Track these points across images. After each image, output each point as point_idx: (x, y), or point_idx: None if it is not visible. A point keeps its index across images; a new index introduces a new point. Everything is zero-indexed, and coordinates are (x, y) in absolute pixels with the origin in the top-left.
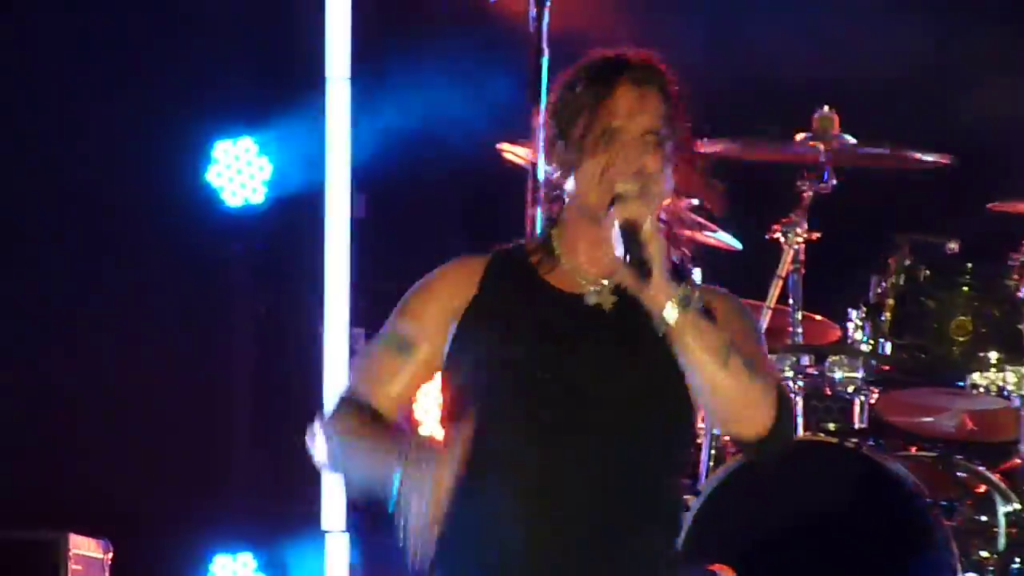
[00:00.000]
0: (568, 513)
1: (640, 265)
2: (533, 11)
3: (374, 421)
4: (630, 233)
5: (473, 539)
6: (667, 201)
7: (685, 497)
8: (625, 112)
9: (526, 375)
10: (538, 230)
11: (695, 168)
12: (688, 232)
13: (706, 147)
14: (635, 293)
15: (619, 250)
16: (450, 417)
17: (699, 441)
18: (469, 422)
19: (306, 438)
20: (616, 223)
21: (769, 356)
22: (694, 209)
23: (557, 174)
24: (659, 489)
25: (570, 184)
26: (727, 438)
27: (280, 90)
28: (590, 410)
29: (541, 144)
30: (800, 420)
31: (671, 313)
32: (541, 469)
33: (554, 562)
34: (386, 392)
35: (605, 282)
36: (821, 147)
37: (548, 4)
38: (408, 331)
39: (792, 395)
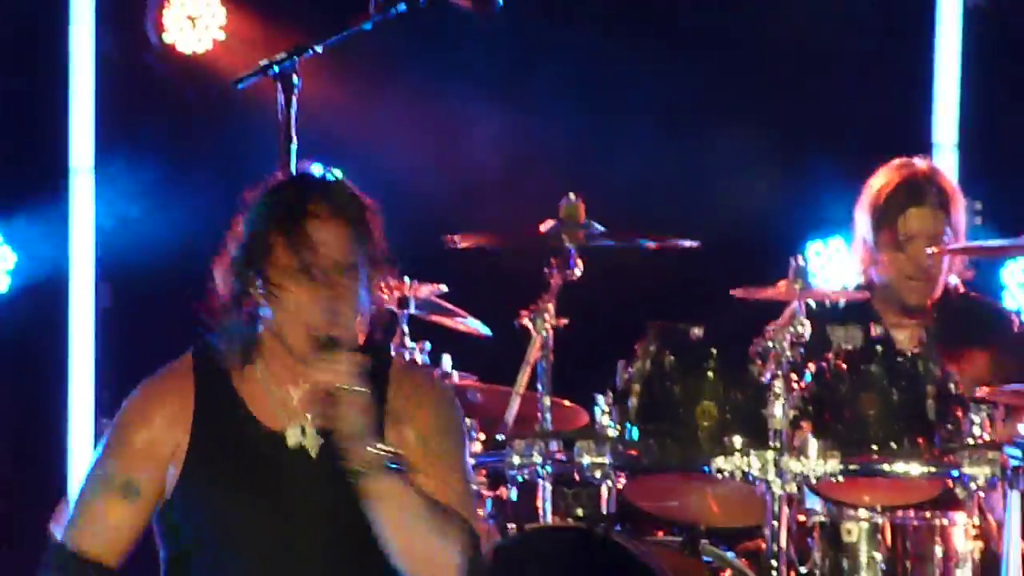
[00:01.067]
0: None
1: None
2: (281, 98)
3: None
4: (326, 403)
5: None
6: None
7: None
8: (318, 247)
9: (238, 531)
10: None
11: (384, 283)
12: (392, 337)
13: (459, 240)
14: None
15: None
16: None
17: None
18: None
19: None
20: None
21: (472, 475)
22: (443, 296)
23: (251, 296)
24: None
25: (265, 311)
26: None
27: (24, 180)
28: (300, 558)
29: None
30: (549, 506)
31: (366, 476)
32: None
33: None
34: (114, 546)
35: (309, 418)
36: (567, 235)
37: (296, 91)
38: (132, 473)
39: (482, 538)
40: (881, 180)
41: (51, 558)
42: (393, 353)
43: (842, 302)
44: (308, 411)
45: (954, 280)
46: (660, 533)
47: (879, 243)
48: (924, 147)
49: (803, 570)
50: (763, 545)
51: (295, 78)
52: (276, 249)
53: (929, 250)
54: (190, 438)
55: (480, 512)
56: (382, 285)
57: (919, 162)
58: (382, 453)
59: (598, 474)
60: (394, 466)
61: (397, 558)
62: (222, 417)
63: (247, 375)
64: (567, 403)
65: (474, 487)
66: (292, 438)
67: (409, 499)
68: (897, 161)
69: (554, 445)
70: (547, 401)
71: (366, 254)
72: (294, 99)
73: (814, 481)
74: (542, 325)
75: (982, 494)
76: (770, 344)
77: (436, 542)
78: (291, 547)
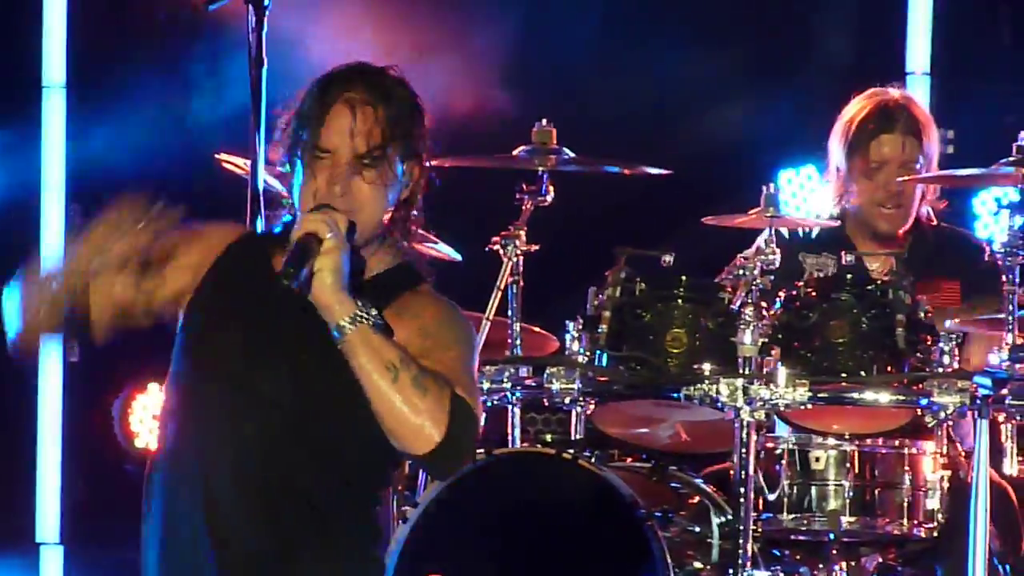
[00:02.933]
0: (243, 510)
1: (299, 278)
2: (251, 20)
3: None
4: (303, 246)
5: (155, 527)
6: (386, 216)
7: (404, 508)
8: (337, 134)
9: (208, 367)
10: None
11: (425, 180)
12: (415, 244)
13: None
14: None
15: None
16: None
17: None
18: None
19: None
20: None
21: (473, 371)
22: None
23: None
24: (341, 496)
25: (295, 198)
26: None
27: None
28: (265, 410)
29: (259, 154)
30: (518, 432)
31: (342, 328)
32: (214, 468)
33: (230, 558)
34: (110, 281)
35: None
36: (538, 160)
37: (267, 12)
38: (161, 255)
39: (480, 413)
40: (853, 108)
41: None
42: (428, 285)
43: (814, 230)
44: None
45: (926, 210)
46: (629, 459)
47: (851, 171)
48: (898, 75)
49: (771, 497)
50: (730, 469)
51: (265, 0)
52: (304, 132)
53: (901, 178)
54: (208, 269)
55: (478, 404)
56: (416, 175)
57: (892, 90)
58: (360, 309)
59: (567, 400)
60: (368, 321)
61: (376, 414)
62: (244, 264)
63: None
64: (537, 329)
65: (476, 385)
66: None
67: (388, 352)
68: (870, 90)
69: (524, 371)
70: (517, 327)
71: (395, 140)
72: (264, 21)
73: (783, 408)
74: (513, 251)
75: (951, 423)
76: (741, 272)
77: (414, 399)
78: (253, 397)
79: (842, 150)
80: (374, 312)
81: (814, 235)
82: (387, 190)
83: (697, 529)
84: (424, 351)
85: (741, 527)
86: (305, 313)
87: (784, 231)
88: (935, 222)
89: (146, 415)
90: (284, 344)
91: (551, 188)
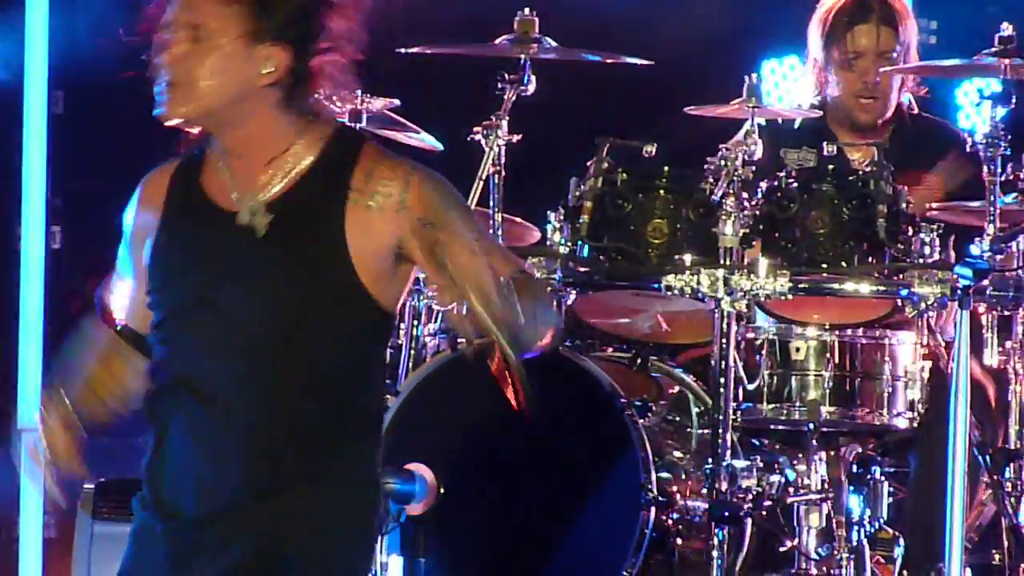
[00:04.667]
0: (231, 434)
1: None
2: None
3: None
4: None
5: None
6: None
7: (385, 397)
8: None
9: (180, 306)
10: None
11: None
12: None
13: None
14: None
15: None
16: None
17: (399, 343)
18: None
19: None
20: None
21: (477, 226)
22: (395, 110)
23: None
24: (328, 418)
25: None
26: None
27: None
28: (239, 334)
29: None
30: None
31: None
32: (200, 397)
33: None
34: (135, 315)
35: (260, 198)
36: (520, 49)
37: None
38: (124, 255)
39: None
40: (834, 4)
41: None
42: (370, 145)
43: (796, 121)
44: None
45: (908, 99)
46: (609, 349)
47: (829, 62)
48: None
49: (751, 387)
50: (709, 356)
51: None
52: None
53: (882, 69)
54: (160, 217)
55: (508, 255)
56: (280, 59)
57: None
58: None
59: (549, 290)
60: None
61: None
62: (185, 202)
63: (212, 160)
64: (518, 219)
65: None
66: (242, 216)
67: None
68: None
69: None
70: (499, 217)
71: (241, 22)
72: None
73: (763, 299)
74: (494, 140)
75: (932, 314)
76: (722, 162)
77: (546, 307)
78: (226, 321)
79: (820, 41)
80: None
81: (795, 125)
82: (224, 65)
83: (676, 418)
84: (445, 242)
85: (720, 417)
86: (265, 240)
87: (765, 121)
88: (916, 111)
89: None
90: (251, 269)
91: (533, 77)
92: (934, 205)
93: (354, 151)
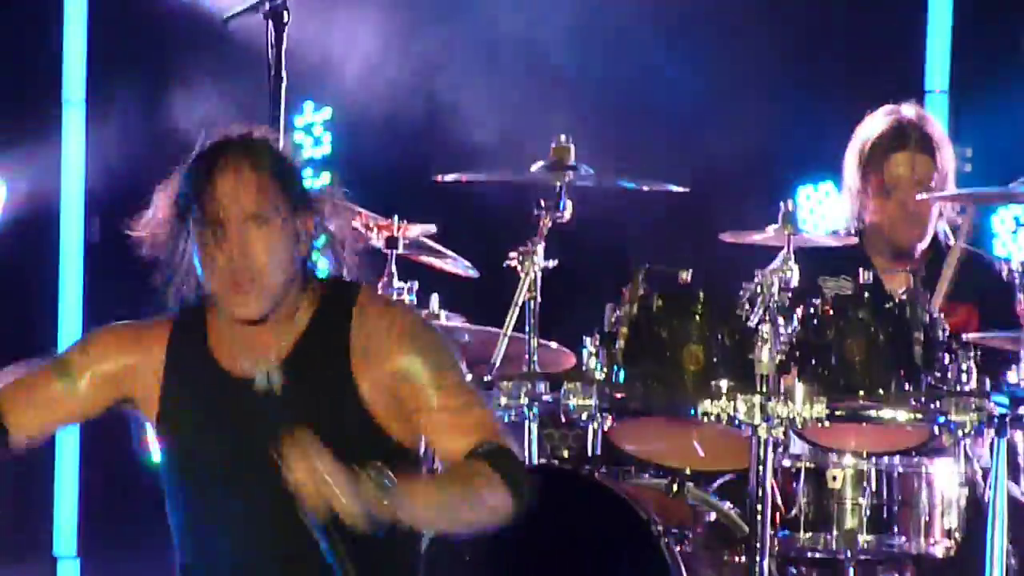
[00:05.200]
0: None
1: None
2: (272, 35)
3: None
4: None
5: None
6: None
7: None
8: (225, 201)
9: (208, 474)
10: None
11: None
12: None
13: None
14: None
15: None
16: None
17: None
18: None
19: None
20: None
21: (463, 382)
22: (431, 236)
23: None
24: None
25: (199, 270)
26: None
27: (15, 112)
28: (273, 497)
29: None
30: (535, 447)
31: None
32: (235, 562)
33: None
34: (21, 408)
35: (272, 360)
36: (556, 176)
37: (286, 28)
38: (79, 364)
39: (506, 445)
40: (867, 127)
41: None
42: (364, 291)
43: (832, 247)
44: (267, 353)
45: (943, 228)
46: (645, 476)
47: (866, 189)
48: (916, 93)
49: (788, 515)
50: (744, 482)
51: (285, 15)
52: (191, 203)
53: (918, 196)
54: (161, 389)
55: (494, 419)
56: (310, 226)
57: (906, 108)
58: (376, 487)
59: (584, 416)
60: (394, 498)
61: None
62: (192, 368)
63: (217, 326)
64: (554, 345)
65: (479, 396)
66: (260, 382)
67: (427, 504)
68: (885, 108)
69: (541, 386)
70: (534, 342)
71: (283, 200)
72: (284, 36)
73: (800, 426)
74: (530, 266)
75: (968, 441)
76: (758, 289)
77: (476, 508)
78: (259, 487)
79: (857, 169)
80: (384, 478)
81: (831, 251)
82: (284, 245)
83: (713, 546)
84: (415, 402)
85: (758, 544)
86: (284, 401)
87: (801, 247)
88: (952, 241)
89: None
90: (267, 443)
91: (569, 204)
92: (971, 335)
93: (349, 300)
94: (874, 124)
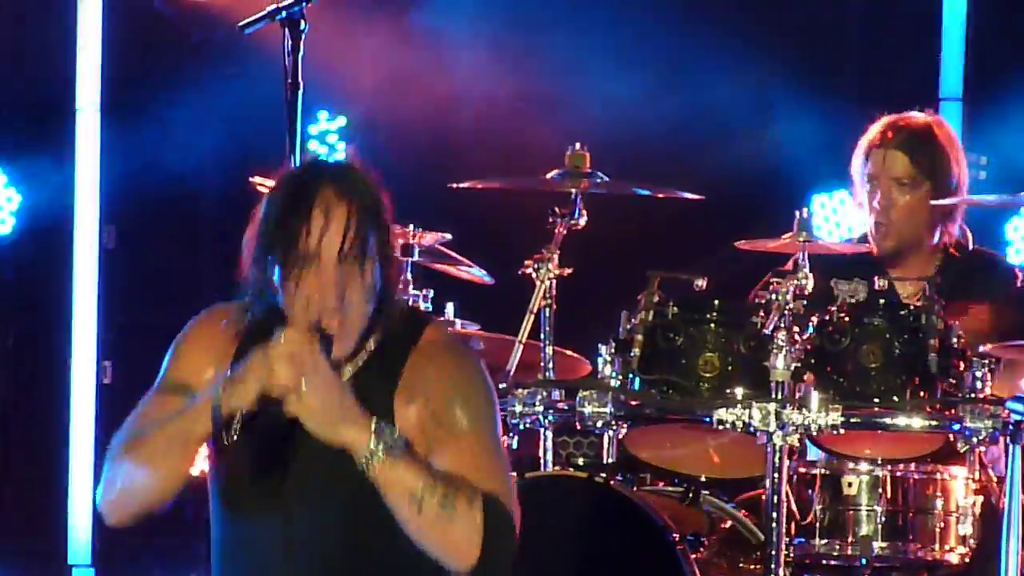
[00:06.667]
0: None
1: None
2: (288, 43)
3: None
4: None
5: None
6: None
7: None
8: (317, 235)
9: (244, 507)
10: None
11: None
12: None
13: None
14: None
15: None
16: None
17: None
18: None
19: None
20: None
21: (495, 443)
22: (447, 244)
23: (266, 283)
24: None
25: (279, 298)
26: None
27: (30, 120)
28: (303, 529)
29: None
30: (550, 455)
31: (362, 465)
32: None
33: None
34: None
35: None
36: (572, 183)
37: (303, 35)
38: (184, 378)
39: (512, 495)
40: (869, 132)
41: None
42: (433, 327)
43: (846, 255)
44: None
45: (958, 231)
46: (661, 483)
47: (863, 191)
48: (930, 100)
49: (803, 522)
50: (763, 495)
51: (302, 23)
52: (284, 238)
53: (936, 201)
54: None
55: (510, 485)
56: (396, 265)
57: (916, 115)
58: (368, 444)
59: (600, 423)
60: (381, 455)
61: (412, 537)
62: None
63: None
64: (570, 352)
65: (502, 460)
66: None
67: (404, 481)
68: (895, 115)
69: (556, 394)
70: (550, 350)
71: (374, 237)
72: (301, 44)
73: (815, 433)
74: (546, 274)
75: (983, 448)
76: (773, 296)
77: (444, 523)
78: (295, 514)
79: (858, 169)
80: (389, 436)
81: (845, 259)
82: (370, 283)
83: (728, 553)
84: (439, 442)
85: (773, 552)
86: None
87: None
88: (970, 244)
89: None
90: (320, 476)
91: (584, 211)
92: (988, 346)
93: (416, 335)
94: (872, 127)
